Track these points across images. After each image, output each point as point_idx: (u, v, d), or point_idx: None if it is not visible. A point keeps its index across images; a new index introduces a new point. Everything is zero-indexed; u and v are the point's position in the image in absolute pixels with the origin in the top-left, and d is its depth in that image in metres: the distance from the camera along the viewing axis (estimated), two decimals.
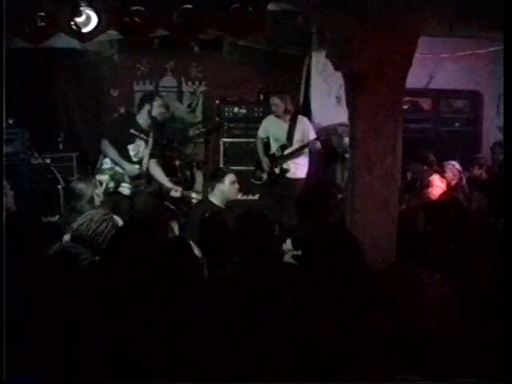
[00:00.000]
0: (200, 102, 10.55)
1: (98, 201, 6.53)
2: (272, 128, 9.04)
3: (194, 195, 8.36)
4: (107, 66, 10.33)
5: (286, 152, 8.88)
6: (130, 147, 8.09)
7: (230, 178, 7.00)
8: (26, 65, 8.99)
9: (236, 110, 9.89)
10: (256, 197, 9.50)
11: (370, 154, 5.19)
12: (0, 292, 3.50)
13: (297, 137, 8.88)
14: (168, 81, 10.57)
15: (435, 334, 2.79)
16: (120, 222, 5.22)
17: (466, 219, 5.85)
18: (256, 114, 9.80)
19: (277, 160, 8.92)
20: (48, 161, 8.87)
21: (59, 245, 4.97)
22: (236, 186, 7.07)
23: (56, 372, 3.15)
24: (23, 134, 8.51)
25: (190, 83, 10.57)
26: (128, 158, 8.08)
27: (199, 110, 10.61)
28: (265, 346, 3.04)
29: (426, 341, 2.78)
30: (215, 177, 7.12)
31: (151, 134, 8.21)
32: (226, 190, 6.96)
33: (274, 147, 9.04)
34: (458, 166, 8.55)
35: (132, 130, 8.10)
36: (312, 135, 8.88)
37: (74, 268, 4.28)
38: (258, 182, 9.10)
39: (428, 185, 8.26)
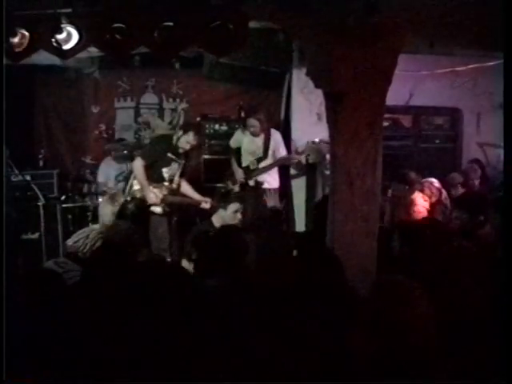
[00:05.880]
0: (181, 118, 10.55)
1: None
2: (246, 142, 9.12)
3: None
4: (88, 83, 10.34)
5: (262, 165, 8.96)
6: (165, 170, 8.02)
7: (233, 207, 7.41)
8: (6, 81, 8.94)
9: (217, 126, 9.88)
10: None
11: (351, 170, 5.22)
12: (0, 294, 3.52)
13: (270, 150, 8.98)
14: (149, 98, 10.57)
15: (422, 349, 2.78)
16: None
17: (442, 239, 5.83)
18: None
19: (252, 173, 8.97)
20: (28, 178, 8.79)
21: (54, 261, 4.95)
22: (238, 215, 7.44)
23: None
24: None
25: (171, 100, 10.58)
26: (161, 179, 8.00)
27: None
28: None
29: (413, 355, 2.78)
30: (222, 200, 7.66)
31: (183, 157, 8.13)
32: (226, 216, 7.35)
33: (246, 160, 9.10)
34: (436, 183, 8.47)
35: (169, 154, 8.00)
36: (282, 149, 9.05)
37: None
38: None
39: (410, 204, 8.24)
